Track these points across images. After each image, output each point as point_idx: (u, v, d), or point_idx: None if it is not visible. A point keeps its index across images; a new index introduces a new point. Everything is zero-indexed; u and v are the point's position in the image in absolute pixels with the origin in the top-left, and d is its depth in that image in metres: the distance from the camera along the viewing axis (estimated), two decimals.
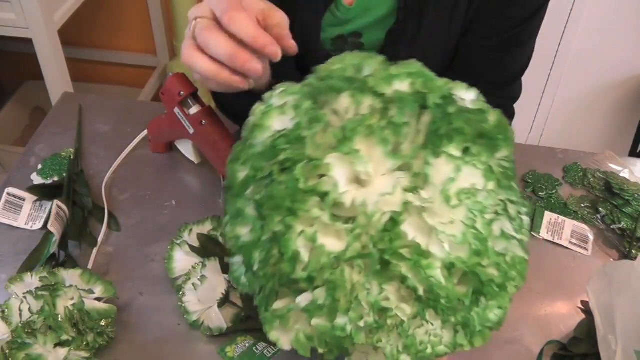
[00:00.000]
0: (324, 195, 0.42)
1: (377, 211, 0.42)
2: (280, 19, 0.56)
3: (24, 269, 0.66)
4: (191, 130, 0.72)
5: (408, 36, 0.76)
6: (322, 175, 0.43)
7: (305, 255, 0.43)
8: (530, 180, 0.84)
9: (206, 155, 0.74)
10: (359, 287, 0.44)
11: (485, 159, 0.44)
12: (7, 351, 0.55)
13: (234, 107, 0.77)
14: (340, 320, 0.44)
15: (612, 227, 0.78)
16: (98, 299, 0.62)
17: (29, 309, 0.58)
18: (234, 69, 0.54)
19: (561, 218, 0.79)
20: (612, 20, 1.72)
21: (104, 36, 2.05)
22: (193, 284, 0.63)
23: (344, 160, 0.43)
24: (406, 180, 0.43)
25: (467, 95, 0.47)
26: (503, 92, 0.84)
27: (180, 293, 0.63)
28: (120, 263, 0.70)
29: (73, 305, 0.58)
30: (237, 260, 0.48)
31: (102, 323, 0.60)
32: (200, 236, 0.68)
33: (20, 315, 0.58)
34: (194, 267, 0.64)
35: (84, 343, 0.58)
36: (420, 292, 0.43)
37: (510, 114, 0.86)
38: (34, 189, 0.75)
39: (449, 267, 0.43)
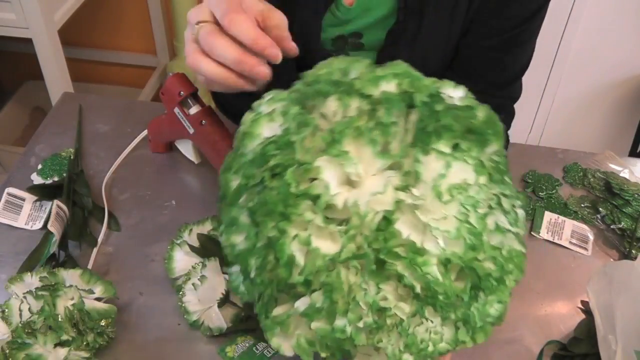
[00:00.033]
0: (315, 198, 0.42)
1: (369, 211, 0.42)
2: (279, 20, 0.56)
3: (24, 269, 0.66)
4: (191, 130, 0.72)
5: (408, 36, 0.76)
6: (313, 179, 0.43)
7: (300, 259, 0.43)
8: (530, 180, 0.84)
9: (206, 155, 0.74)
10: (356, 288, 0.43)
11: (475, 154, 0.44)
12: (7, 351, 0.55)
13: (234, 107, 0.77)
14: (340, 322, 0.44)
15: (612, 227, 0.78)
16: (98, 299, 0.62)
17: (29, 309, 0.58)
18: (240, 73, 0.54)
19: (561, 218, 0.79)
20: (612, 20, 1.72)
21: (104, 36, 2.05)
22: (193, 284, 0.63)
23: (333, 162, 0.43)
24: (397, 178, 0.43)
25: (455, 93, 0.47)
26: (503, 92, 0.83)
27: (180, 293, 0.63)
28: (120, 263, 0.70)
29: (73, 305, 0.58)
30: (234, 269, 0.48)
31: (102, 323, 0.60)
32: (200, 236, 0.68)
33: (20, 315, 0.58)
34: (194, 267, 0.64)
35: (84, 343, 0.58)
36: (418, 289, 0.43)
37: (510, 114, 0.86)
38: (34, 189, 0.75)
39: (445, 263, 0.43)
